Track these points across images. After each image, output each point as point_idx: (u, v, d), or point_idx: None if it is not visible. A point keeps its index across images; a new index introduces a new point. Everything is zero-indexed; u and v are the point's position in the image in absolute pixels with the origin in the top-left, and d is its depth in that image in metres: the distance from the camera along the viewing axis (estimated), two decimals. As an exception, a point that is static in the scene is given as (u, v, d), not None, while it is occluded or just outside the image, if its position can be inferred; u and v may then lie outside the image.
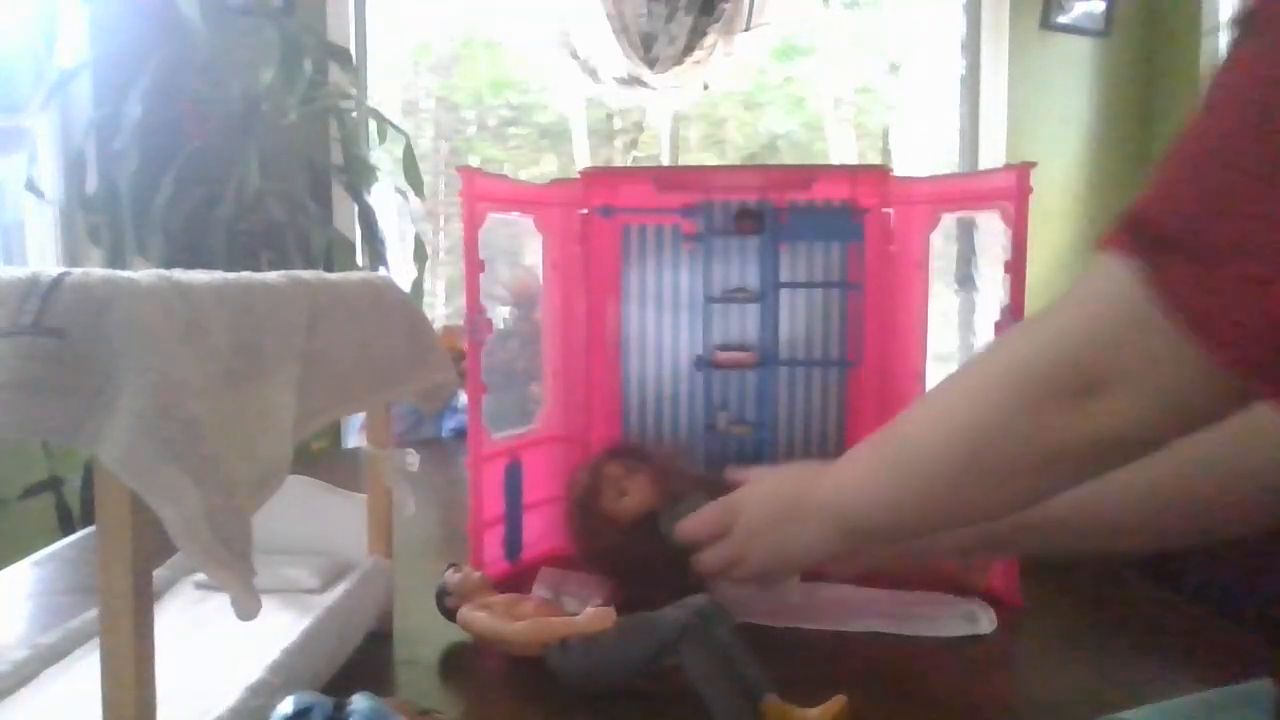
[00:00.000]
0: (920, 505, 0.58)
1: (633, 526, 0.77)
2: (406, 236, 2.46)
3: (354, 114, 2.29)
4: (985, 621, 0.75)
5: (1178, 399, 0.42)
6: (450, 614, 0.71)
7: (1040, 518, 0.61)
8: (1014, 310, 0.80)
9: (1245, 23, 0.39)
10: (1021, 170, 0.78)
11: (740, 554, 0.68)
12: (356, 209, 2.30)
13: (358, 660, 0.65)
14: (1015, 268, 0.78)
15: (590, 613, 0.64)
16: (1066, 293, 0.47)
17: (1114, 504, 0.65)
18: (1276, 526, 0.62)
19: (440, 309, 2.79)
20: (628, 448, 0.85)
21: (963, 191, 0.95)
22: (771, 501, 0.68)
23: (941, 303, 0.93)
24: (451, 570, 0.72)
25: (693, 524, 0.71)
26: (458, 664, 0.69)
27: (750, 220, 0.96)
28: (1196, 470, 0.63)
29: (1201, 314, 0.38)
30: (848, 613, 0.78)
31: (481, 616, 0.67)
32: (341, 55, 2.33)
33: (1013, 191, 0.78)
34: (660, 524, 0.74)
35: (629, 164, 2.90)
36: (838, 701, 0.56)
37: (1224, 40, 0.40)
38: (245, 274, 0.49)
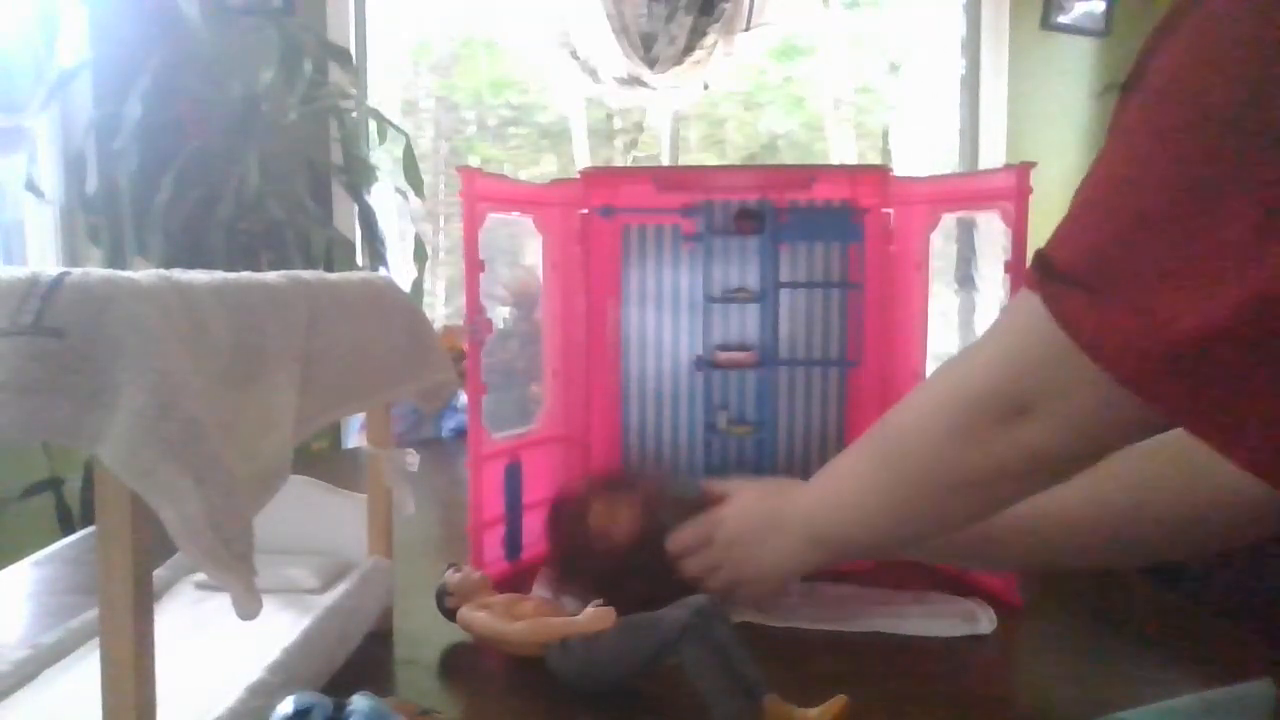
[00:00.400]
0: (882, 518, 0.62)
1: (623, 554, 0.78)
2: (406, 236, 2.46)
3: (354, 114, 2.29)
4: (985, 621, 0.75)
5: (1092, 419, 0.47)
6: (450, 614, 0.71)
7: (1025, 533, 0.66)
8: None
9: (1131, 79, 0.44)
10: (1021, 170, 0.78)
11: (717, 563, 0.73)
12: (356, 209, 2.30)
13: (358, 660, 0.65)
14: (1015, 268, 0.78)
15: (590, 613, 0.64)
16: (994, 322, 0.53)
17: (1105, 519, 0.67)
18: (1269, 536, 0.63)
19: (440, 309, 2.79)
20: (612, 478, 0.87)
21: (963, 191, 0.95)
22: (750, 514, 0.73)
23: (941, 303, 0.93)
24: (451, 570, 0.72)
25: (678, 536, 0.75)
26: (458, 664, 0.69)
27: (750, 220, 0.96)
28: (1187, 483, 0.64)
29: (1094, 338, 0.43)
30: (847, 612, 0.78)
31: (481, 616, 0.67)
32: (341, 55, 2.33)
33: (1013, 191, 0.78)
34: (649, 548, 0.76)
35: (629, 164, 2.90)
36: (838, 701, 0.56)
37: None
38: (245, 274, 0.49)
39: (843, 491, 0.65)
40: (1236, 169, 0.38)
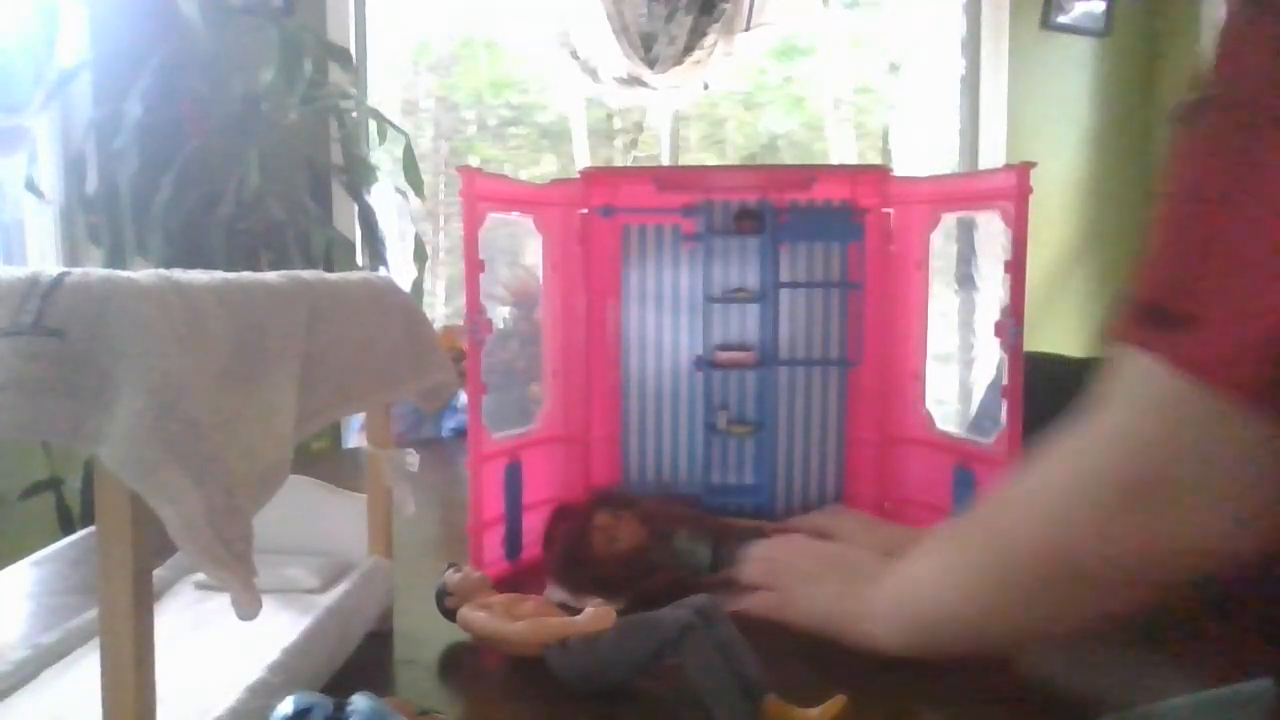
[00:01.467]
0: (974, 602, 0.55)
1: (626, 565, 0.79)
2: (406, 236, 2.46)
3: (354, 114, 2.29)
4: None
5: (1240, 484, 0.42)
6: (450, 614, 0.71)
7: None
8: (1014, 310, 0.80)
9: (1197, 107, 0.43)
10: (1021, 170, 0.78)
11: (775, 583, 0.71)
12: (356, 209, 2.30)
13: (358, 660, 0.65)
14: (1015, 268, 0.78)
15: (590, 613, 0.64)
16: (1109, 391, 0.46)
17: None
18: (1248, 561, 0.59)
19: (440, 309, 2.79)
20: (611, 494, 0.88)
21: (962, 191, 0.95)
22: (826, 555, 0.71)
23: (941, 303, 0.93)
24: (451, 570, 0.72)
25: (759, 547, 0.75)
26: (458, 664, 0.69)
27: (750, 220, 0.96)
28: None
29: (1224, 377, 0.40)
30: None
31: (481, 616, 0.67)
32: (341, 55, 2.33)
33: (1013, 191, 0.79)
34: (654, 557, 0.77)
35: (629, 164, 2.90)
36: (837, 702, 0.56)
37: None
38: (245, 274, 0.49)
39: (932, 566, 0.59)
40: None
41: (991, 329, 0.82)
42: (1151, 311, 0.43)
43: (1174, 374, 0.42)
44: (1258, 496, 0.43)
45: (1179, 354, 0.41)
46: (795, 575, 0.71)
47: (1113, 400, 0.46)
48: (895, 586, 0.62)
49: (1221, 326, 0.40)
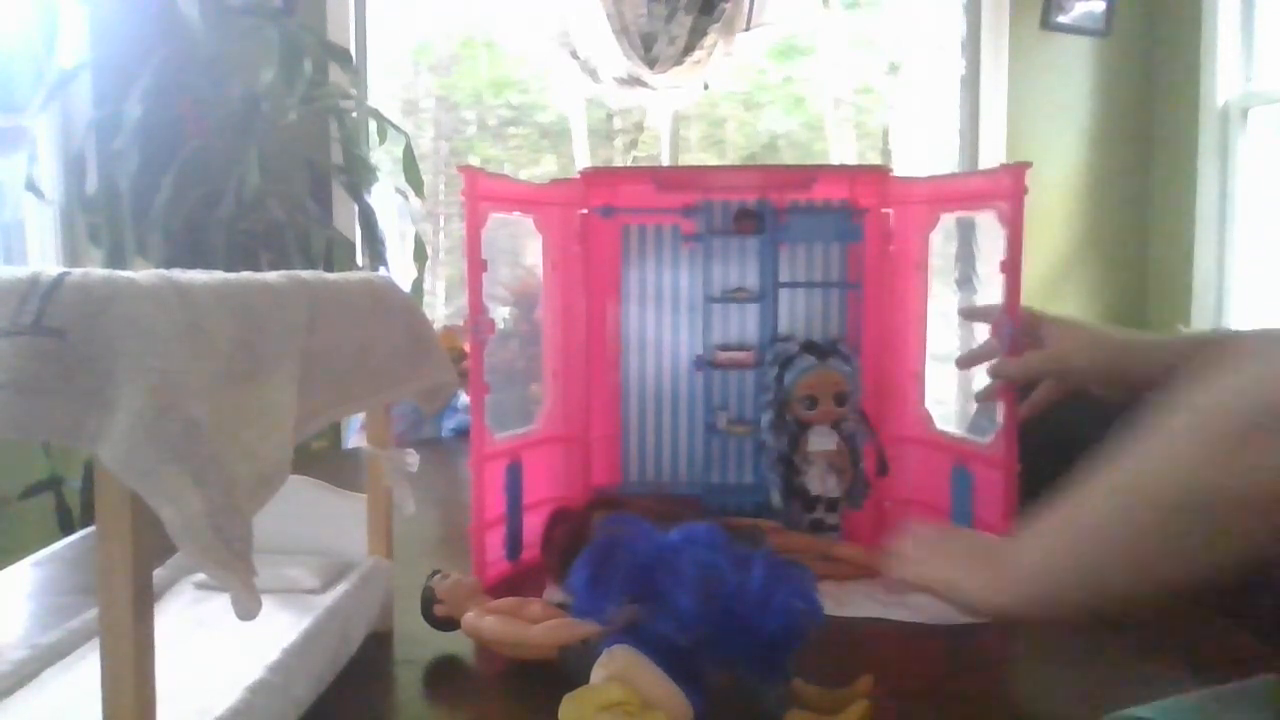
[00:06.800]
0: (1118, 547, 0.54)
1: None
2: (406, 236, 2.46)
3: (354, 114, 2.29)
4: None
5: None
6: (440, 622, 0.70)
7: None
8: (1009, 310, 0.80)
9: None
10: (1016, 170, 0.78)
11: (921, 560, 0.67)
12: (356, 209, 2.30)
13: (358, 660, 0.65)
14: (1011, 267, 0.78)
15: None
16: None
17: None
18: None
19: (440, 309, 2.79)
20: (610, 495, 0.88)
21: (960, 192, 0.95)
22: (978, 542, 0.68)
23: (941, 303, 0.93)
24: (438, 577, 0.71)
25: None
26: (458, 664, 0.69)
27: (750, 220, 0.96)
28: None
29: None
30: (843, 600, 0.78)
31: (491, 621, 0.67)
32: (341, 55, 2.33)
33: (1008, 191, 0.79)
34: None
35: (629, 164, 2.90)
36: (860, 706, 0.56)
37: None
38: (245, 274, 0.49)
39: (1072, 519, 0.57)
40: None
41: (989, 329, 0.82)
42: None
43: None
44: None
45: None
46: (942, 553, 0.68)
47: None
48: (1030, 547, 0.60)
49: None
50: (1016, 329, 0.80)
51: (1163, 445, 0.52)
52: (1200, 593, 0.88)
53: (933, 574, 0.65)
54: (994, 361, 0.82)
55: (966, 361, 0.87)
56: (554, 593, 0.79)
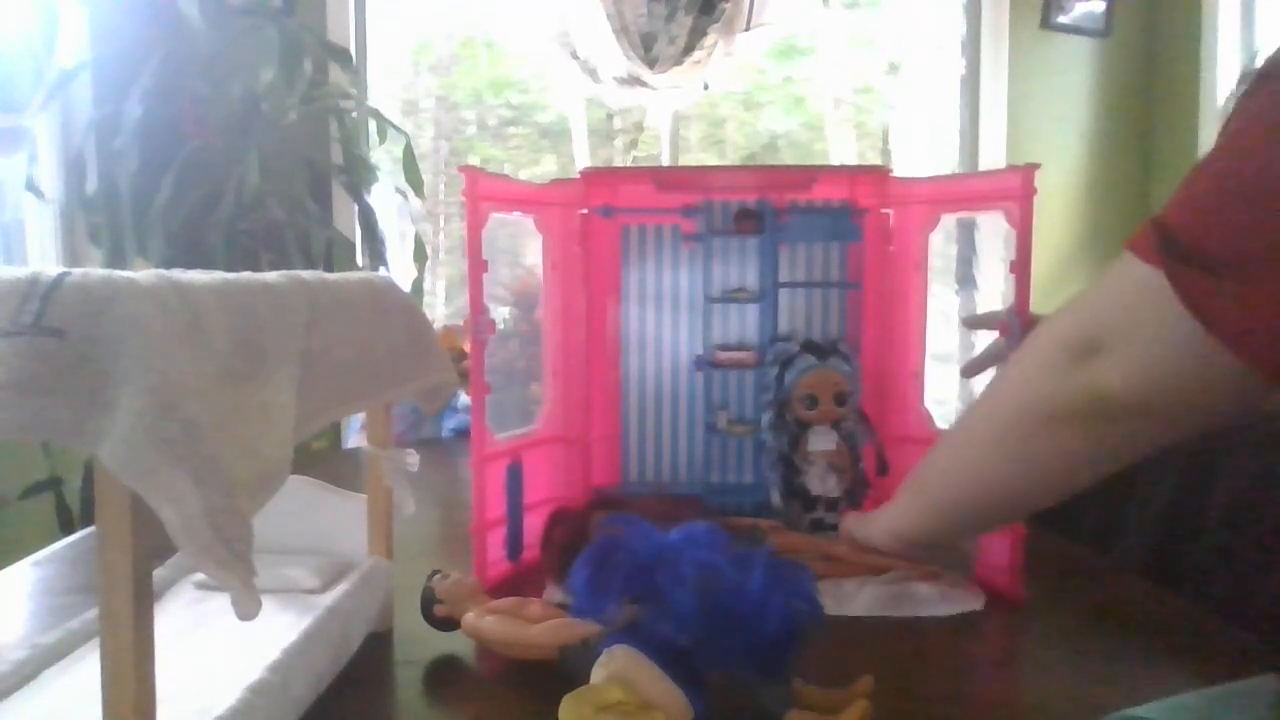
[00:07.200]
0: (979, 467, 0.60)
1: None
2: (406, 236, 2.46)
3: (354, 114, 2.29)
4: (972, 600, 0.77)
5: (1172, 367, 0.46)
6: (440, 623, 0.70)
7: None
8: (1020, 310, 0.80)
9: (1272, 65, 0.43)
10: (1026, 172, 0.78)
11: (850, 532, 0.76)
12: (356, 209, 2.30)
13: (358, 660, 0.65)
14: (1020, 268, 0.78)
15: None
16: (1096, 278, 0.52)
17: None
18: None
19: (440, 309, 2.79)
20: (609, 496, 0.89)
21: (965, 192, 0.96)
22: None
23: (941, 303, 0.93)
24: (438, 577, 0.71)
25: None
26: (458, 664, 0.69)
27: (750, 220, 0.96)
28: None
29: (1221, 318, 0.43)
30: (842, 599, 0.78)
31: (492, 621, 0.67)
32: (341, 55, 2.33)
33: (1018, 192, 0.79)
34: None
35: (629, 164, 2.90)
36: (859, 706, 0.56)
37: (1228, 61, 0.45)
38: (245, 274, 0.49)
39: (945, 444, 0.65)
40: None
41: (997, 328, 0.82)
42: (1174, 241, 0.45)
43: (1144, 266, 0.45)
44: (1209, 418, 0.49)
45: (1191, 291, 0.44)
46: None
47: (1095, 285, 0.51)
48: (903, 491, 0.69)
49: (1257, 301, 0.42)
50: (1027, 329, 0.80)
51: (998, 376, 0.59)
52: (1200, 593, 0.88)
53: (858, 531, 0.74)
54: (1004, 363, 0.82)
55: (973, 369, 0.87)
56: (554, 593, 0.79)
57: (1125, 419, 0.50)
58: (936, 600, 0.77)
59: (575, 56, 2.63)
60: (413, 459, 0.71)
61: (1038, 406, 0.53)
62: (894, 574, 0.81)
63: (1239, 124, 0.45)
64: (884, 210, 0.96)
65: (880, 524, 0.70)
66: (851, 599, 0.78)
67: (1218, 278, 0.43)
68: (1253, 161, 0.44)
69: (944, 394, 0.97)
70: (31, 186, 2.10)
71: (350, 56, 2.41)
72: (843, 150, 3.00)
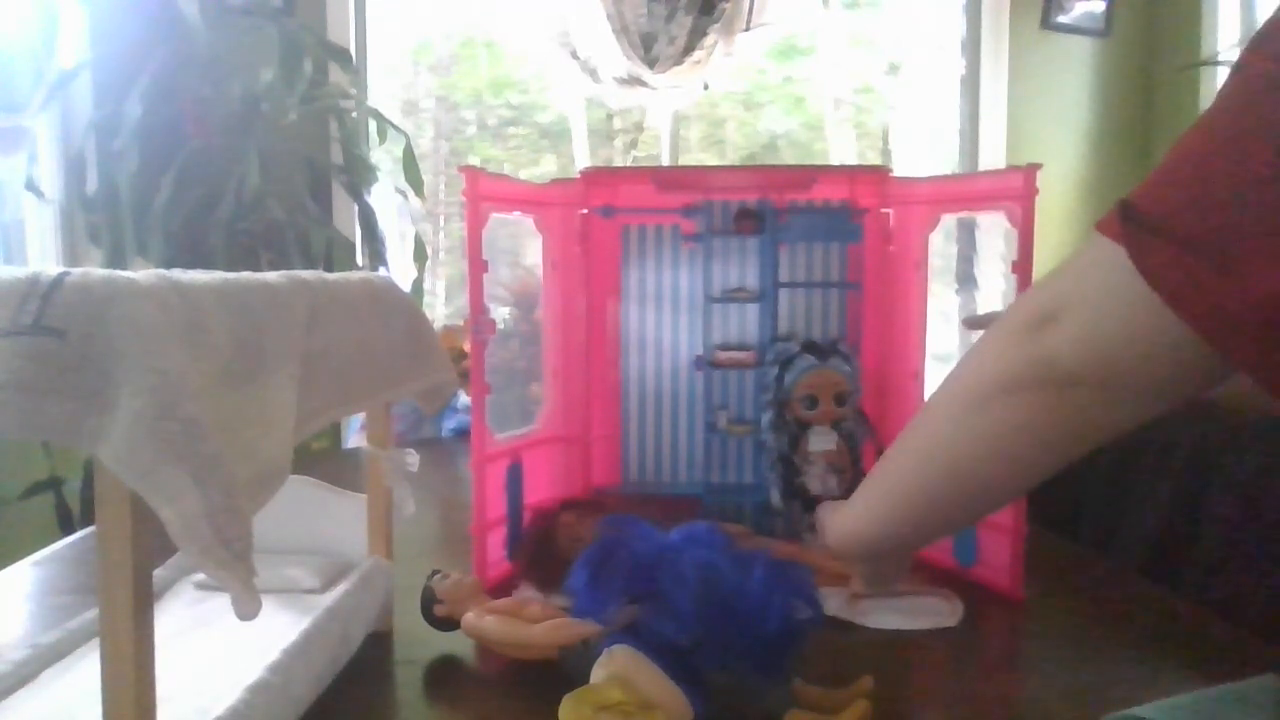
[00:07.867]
0: (935, 451, 0.58)
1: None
2: (406, 236, 2.46)
3: (354, 114, 2.29)
4: (950, 614, 0.75)
5: (1122, 336, 0.46)
6: (440, 622, 0.70)
7: None
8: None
9: (1251, 45, 0.43)
10: (1028, 172, 0.78)
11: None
12: (356, 209, 2.30)
13: (358, 660, 0.65)
14: (1022, 268, 0.78)
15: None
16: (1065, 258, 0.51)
17: None
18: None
19: (440, 309, 2.79)
20: (582, 500, 0.89)
21: (966, 192, 0.95)
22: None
23: (941, 303, 0.93)
24: (438, 577, 0.71)
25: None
26: (458, 664, 0.69)
27: (750, 220, 0.96)
28: None
29: (1177, 289, 0.43)
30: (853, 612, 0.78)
31: (492, 621, 0.67)
32: (341, 55, 2.33)
33: (1020, 193, 0.78)
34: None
35: (629, 164, 2.90)
36: (859, 706, 0.56)
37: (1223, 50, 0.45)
38: (245, 274, 0.49)
39: (905, 430, 0.62)
40: None
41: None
42: (1138, 216, 0.45)
43: (1108, 244, 0.45)
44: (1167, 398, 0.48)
45: (1149, 260, 0.44)
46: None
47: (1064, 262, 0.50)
48: (855, 497, 0.66)
49: (1209, 273, 0.42)
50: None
51: (961, 358, 0.57)
52: (1200, 592, 0.88)
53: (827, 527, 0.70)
54: None
55: (976, 323, 0.87)
56: (524, 590, 0.79)
57: (1074, 388, 0.49)
58: (912, 615, 0.76)
59: (575, 56, 2.63)
60: (413, 459, 0.71)
61: (992, 378, 0.53)
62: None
63: (1211, 109, 0.45)
64: (884, 210, 0.96)
65: (837, 524, 0.67)
66: (869, 614, 0.77)
67: (1178, 250, 0.43)
68: (1216, 141, 0.44)
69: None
70: (31, 186, 2.10)
71: (350, 56, 2.41)
72: (843, 150, 3.00)
